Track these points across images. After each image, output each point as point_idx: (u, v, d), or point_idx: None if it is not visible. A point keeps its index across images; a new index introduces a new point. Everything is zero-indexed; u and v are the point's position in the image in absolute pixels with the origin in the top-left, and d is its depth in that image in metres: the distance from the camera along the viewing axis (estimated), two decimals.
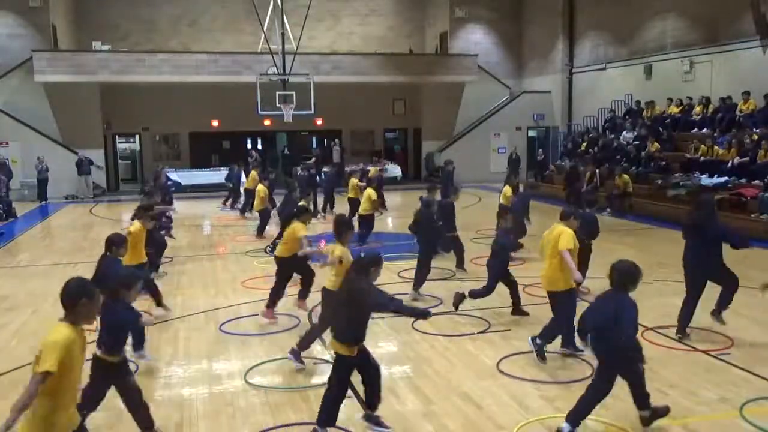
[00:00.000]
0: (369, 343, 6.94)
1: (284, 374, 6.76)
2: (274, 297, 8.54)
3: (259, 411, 5.84)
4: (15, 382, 6.56)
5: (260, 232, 14.76)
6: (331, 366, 6.79)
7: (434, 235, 10.07)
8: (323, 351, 7.32)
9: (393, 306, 5.25)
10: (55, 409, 3.63)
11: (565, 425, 5.12)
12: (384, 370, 6.73)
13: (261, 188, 15.03)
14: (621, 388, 5.68)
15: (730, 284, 7.51)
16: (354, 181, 16.11)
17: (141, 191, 16.72)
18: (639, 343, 5.12)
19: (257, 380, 6.54)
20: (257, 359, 7.08)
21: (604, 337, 5.10)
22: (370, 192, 13.98)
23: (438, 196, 13.01)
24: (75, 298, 3.74)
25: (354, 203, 15.47)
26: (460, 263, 11.27)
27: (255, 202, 15.48)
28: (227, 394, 6.25)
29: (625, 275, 5.12)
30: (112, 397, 6.10)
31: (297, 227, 8.33)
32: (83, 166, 23.34)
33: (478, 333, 7.86)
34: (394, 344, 7.52)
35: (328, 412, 5.19)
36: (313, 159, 24.77)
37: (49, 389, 3.55)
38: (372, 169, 19.39)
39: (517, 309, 8.50)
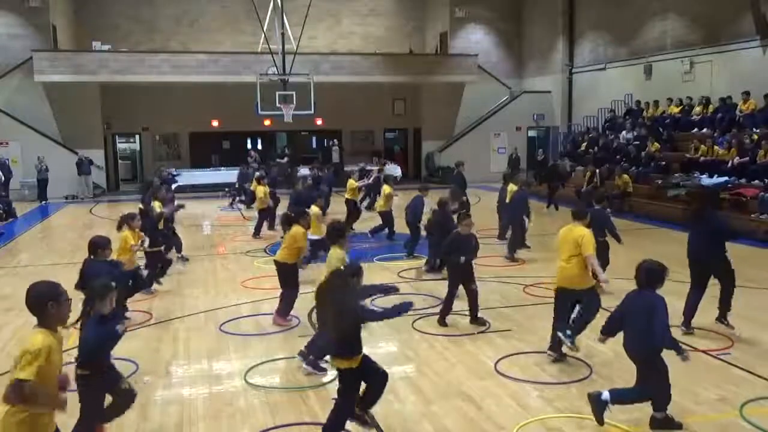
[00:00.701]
0: (369, 343, 6.96)
1: (284, 374, 6.76)
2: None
3: (259, 411, 5.84)
4: None
5: (257, 231, 14.78)
6: (326, 365, 6.83)
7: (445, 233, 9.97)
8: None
9: (374, 317, 5.18)
10: (33, 413, 3.60)
11: (657, 413, 5.27)
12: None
13: (260, 189, 15.03)
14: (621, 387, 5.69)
15: (727, 283, 7.66)
16: (352, 182, 16.05)
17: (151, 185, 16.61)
18: (675, 341, 5.20)
19: (257, 380, 6.54)
20: (257, 359, 7.08)
21: (637, 338, 5.21)
22: (387, 189, 14.06)
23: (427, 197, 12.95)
24: (42, 303, 3.68)
25: (351, 204, 15.46)
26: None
27: (255, 203, 15.44)
28: (227, 394, 6.25)
29: (652, 274, 5.23)
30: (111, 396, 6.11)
31: (297, 233, 8.17)
32: (83, 166, 23.34)
33: (478, 333, 7.86)
34: (394, 344, 7.52)
35: (334, 427, 5.09)
36: (286, 159, 24.92)
37: (15, 395, 3.51)
38: (375, 170, 19.40)
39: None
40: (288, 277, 8.28)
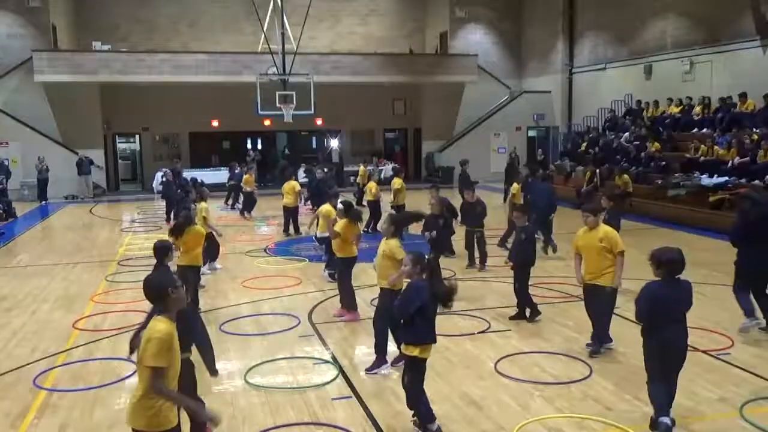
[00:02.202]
0: (368, 343, 6.97)
1: (284, 374, 6.76)
2: (345, 296, 8.50)
3: (259, 411, 5.84)
4: (15, 382, 6.56)
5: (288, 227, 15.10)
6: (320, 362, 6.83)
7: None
8: (323, 351, 7.32)
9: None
10: (158, 400, 3.71)
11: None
12: (384, 370, 6.76)
13: (293, 184, 15.20)
14: (621, 387, 5.70)
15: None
16: (362, 168, 18.23)
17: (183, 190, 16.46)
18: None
19: (257, 380, 6.53)
20: (257, 359, 7.07)
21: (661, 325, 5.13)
22: (398, 182, 14.99)
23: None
24: (164, 291, 3.81)
25: (373, 206, 15.56)
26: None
27: (287, 199, 15.28)
28: (227, 394, 6.24)
29: (672, 263, 5.14)
30: (111, 396, 6.11)
31: (349, 228, 8.36)
32: (83, 166, 23.31)
33: (478, 333, 7.85)
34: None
35: (424, 409, 5.31)
36: (255, 158, 24.97)
37: (151, 383, 3.66)
38: (361, 169, 19.46)
39: None
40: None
